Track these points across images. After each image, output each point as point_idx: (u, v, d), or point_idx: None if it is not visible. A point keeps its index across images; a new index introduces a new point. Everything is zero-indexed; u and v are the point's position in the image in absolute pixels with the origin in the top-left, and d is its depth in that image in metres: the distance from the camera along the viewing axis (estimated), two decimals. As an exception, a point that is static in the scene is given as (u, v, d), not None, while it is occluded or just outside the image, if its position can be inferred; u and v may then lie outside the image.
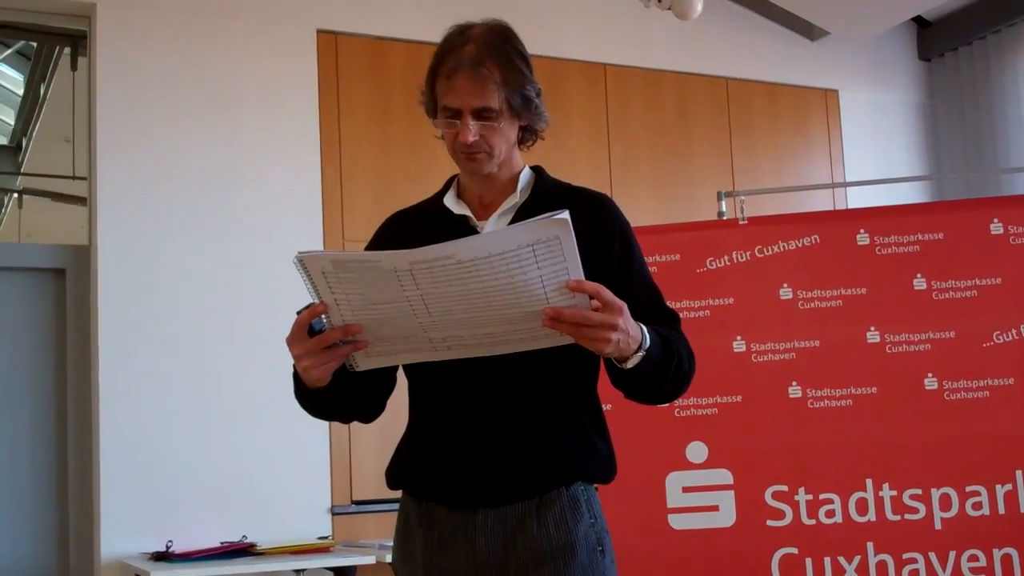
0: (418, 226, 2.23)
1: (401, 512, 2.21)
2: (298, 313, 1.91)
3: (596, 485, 2.17)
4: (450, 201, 2.21)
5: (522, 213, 2.14)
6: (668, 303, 2.20)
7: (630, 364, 1.93)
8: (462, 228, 2.16)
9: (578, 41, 6.25)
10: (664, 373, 2.03)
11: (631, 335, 1.88)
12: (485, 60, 2.07)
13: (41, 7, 5.25)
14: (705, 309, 4.30)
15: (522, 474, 2.06)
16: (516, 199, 2.16)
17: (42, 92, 6.03)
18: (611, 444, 2.19)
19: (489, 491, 2.07)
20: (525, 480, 2.07)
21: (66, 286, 5.16)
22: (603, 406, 2.20)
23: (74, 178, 5.37)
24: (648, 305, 2.13)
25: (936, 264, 4.25)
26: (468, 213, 2.18)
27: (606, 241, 2.14)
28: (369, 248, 2.31)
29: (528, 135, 2.19)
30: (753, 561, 4.13)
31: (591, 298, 1.80)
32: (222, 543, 4.91)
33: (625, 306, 1.84)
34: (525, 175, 2.21)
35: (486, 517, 2.07)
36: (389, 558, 2.31)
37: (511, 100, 2.08)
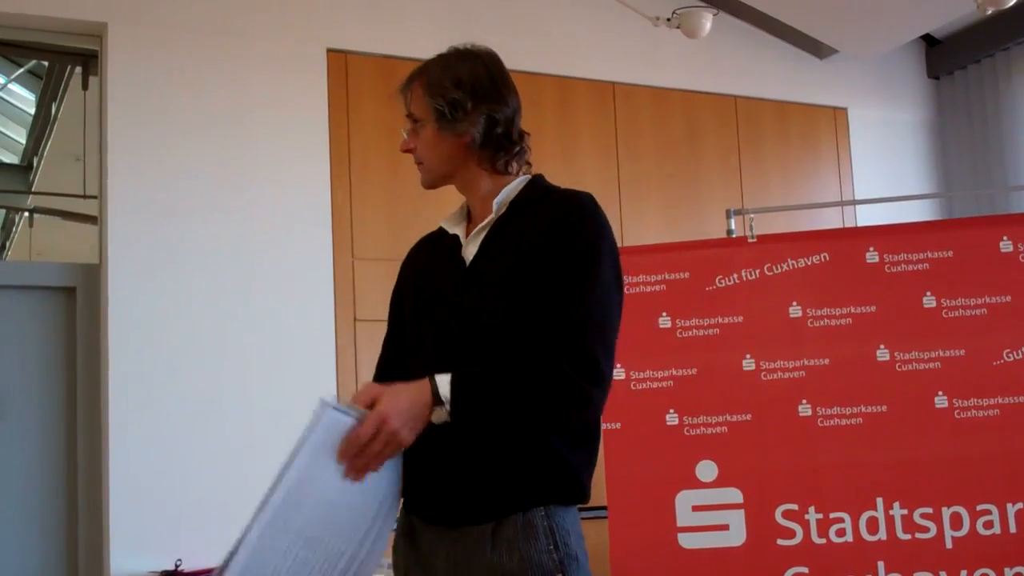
0: (425, 250, 2.37)
1: (398, 521, 2.25)
2: None
3: (576, 506, 2.14)
4: (448, 222, 2.30)
5: (496, 228, 2.19)
6: (585, 320, 2.04)
7: (437, 420, 1.96)
8: (453, 249, 2.25)
9: (587, 60, 6.26)
10: (497, 414, 2.00)
11: (406, 416, 1.92)
12: (417, 74, 2.25)
13: (52, 26, 5.27)
14: (714, 327, 4.30)
15: (475, 497, 2.06)
16: (492, 215, 2.21)
17: (53, 111, 6.05)
18: (592, 460, 2.15)
19: (447, 512, 2.10)
20: (478, 503, 2.06)
21: (76, 304, 5.16)
22: (608, 424, 2.19)
23: (85, 197, 5.38)
24: (545, 317, 2.05)
25: (946, 282, 4.25)
26: (460, 232, 2.26)
27: (549, 239, 2.10)
28: (399, 274, 2.41)
29: (497, 154, 2.22)
30: (763, 580, 4.12)
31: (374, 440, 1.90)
32: (231, 561, 4.91)
33: (382, 414, 1.90)
34: (510, 188, 2.23)
35: (450, 536, 2.09)
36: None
37: (434, 108, 2.18)
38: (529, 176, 2.27)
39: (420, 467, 2.10)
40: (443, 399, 1.95)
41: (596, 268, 2.08)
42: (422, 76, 2.23)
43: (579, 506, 2.15)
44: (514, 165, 2.24)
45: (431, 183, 2.28)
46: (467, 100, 2.17)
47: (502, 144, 2.21)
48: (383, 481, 2.00)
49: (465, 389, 1.97)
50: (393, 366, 2.37)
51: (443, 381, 1.96)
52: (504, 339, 2.09)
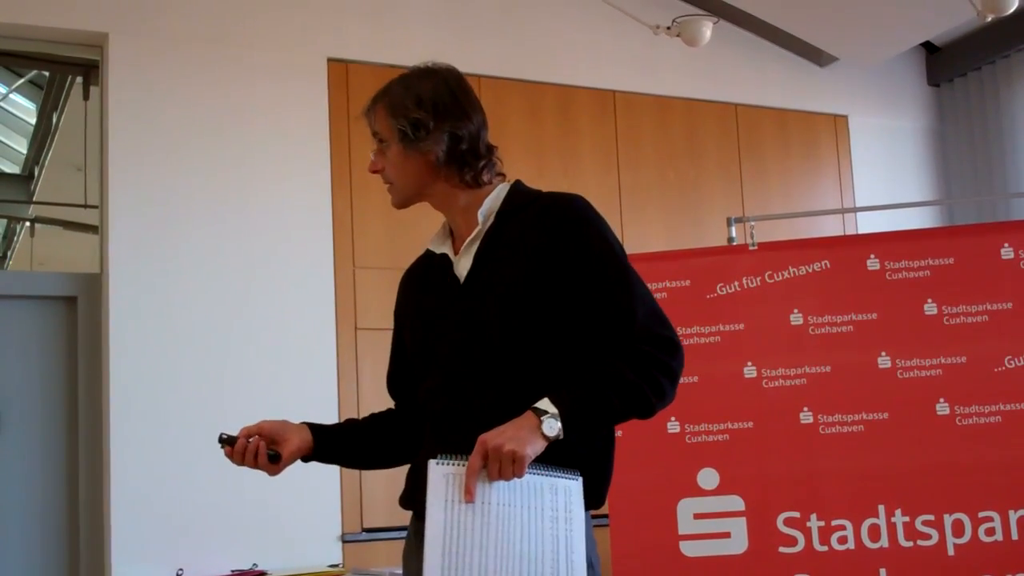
0: (416, 275, 2.38)
1: (408, 528, 2.27)
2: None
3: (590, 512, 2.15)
4: (434, 242, 2.32)
5: (487, 238, 2.20)
6: (635, 307, 2.12)
7: (552, 433, 1.98)
8: (444, 268, 2.26)
9: (587, 68, 6.27)
10: (604, 408, 2.05)
11: (509, 433, 1.96)
12: (380, 96, 2.27)
13: (53, 37, 5.28)
14: (716, 335, 4.30)
15: None
16: (479, 227, 2.22)
17: (54, 121, 6.06)
18: (608, 468, 2.19)
19: None
20: None
21: (78, 314, 5.16)
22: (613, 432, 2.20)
23: (86, 206, 5.39)
24: (598, 315, 2.11)
25: (947, 289, 4.25)
26: (447, 250, 2.27)
27: (556, 245, 2.14)
28: (396, 301, 2.43)
29: (463, 169, 2.22)
30: (765, 588, 4.11)
31: (486, 462, 1.96)
32: (233, 571, 4.91)
33: (482, 438, 1.96)
34: (491, 198, 2.24)
35: None
36: (400, 584, 2.34)
37: (397, 128, 2.20)
38: (507, 184, 2.28)
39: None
40: (548, 410, 1.98)
41: (619, 260, 2.15)
42: (385, 97, 2.25)
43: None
44: (485, 176, 2.25)
45: (400, 203, 2.31)
46: (429, 119, 2.18)
47: (467, 160, 2.22)
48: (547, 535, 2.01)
49: (570, 401, 2.01)
50: (401, 385, 2.42)
51: (542, 400, 2.00)
52: (514, 348, 2.11)
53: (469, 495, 1.94)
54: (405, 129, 2.19)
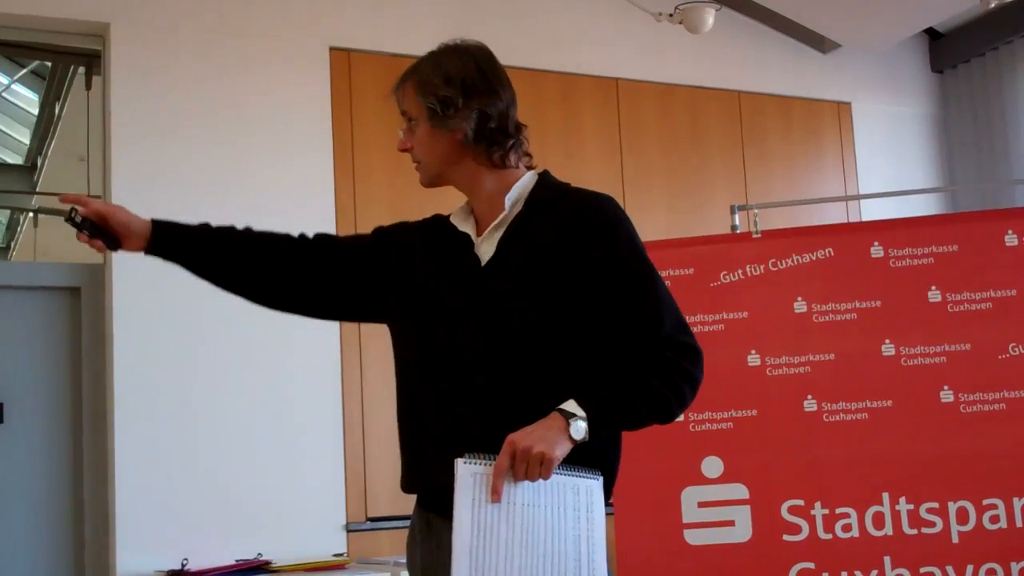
0: (429, 243, 2.30)
1: (412, 518, 2.26)
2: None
3: None
4: (458, 219, 2.28)
5: (515, 225, 2.18)
6: (662, 313, 2.13)
7: (579, 436, 1.98)
8: (463, 246, 2.22)
9: (590, 56, 6.26)
10: (630, 413, 2.05)
11: (537, 434, 1.95)
12: (409, 74, 2.26)
13: (55, 27, 5.27)
14: (719, 323, 4.30)
15: None
16: (505, 212, 2.20)
17: (57, 111, 6.06)
18: (616, 463, 2.18)
19: None
20: None
21: (81, 305, 5.17)
22: None
23: (89, 196, 5.38)
24: (624, 319, 2.11)
25: (951, 276, 4.24)
26: (470, 231, 2.24)
27: (586, 245, 2.13)
28: (394, 236, 2.40)
29: (492, 148, 2.21)
30: (770, 576, 4.12)
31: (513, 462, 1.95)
32: (237, 561, 4.91)
33: (511, 439, 1.95)
34: (520, 185, 2.23)
35: None
36: (405, 574, 2.33)
37: (425, 106, 2.19)
38: (535, 173, 2.27)
39: (440, 463, 2.06)
40: (576, 413, 1.98)
41: (647, 265, 2.17)
42: (413, 75, 2.24)
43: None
44: (512, 158, 2.23)
45: (429, 182, 2.28)
46: (458, 96, 2.16)
47: (496, 138, 2.20)
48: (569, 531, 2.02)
49: (598, 404, 2.01)
50: (330, 242, 2.52)
51: (568, 403, 2.00)
52: (534, 340, 2.09)
53: (496, 495, 1.94)
54: (434, 107, 2.18)
